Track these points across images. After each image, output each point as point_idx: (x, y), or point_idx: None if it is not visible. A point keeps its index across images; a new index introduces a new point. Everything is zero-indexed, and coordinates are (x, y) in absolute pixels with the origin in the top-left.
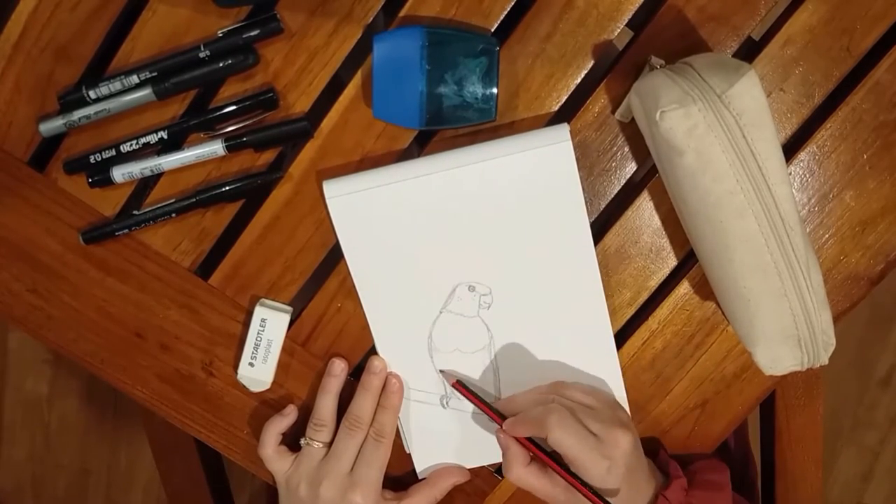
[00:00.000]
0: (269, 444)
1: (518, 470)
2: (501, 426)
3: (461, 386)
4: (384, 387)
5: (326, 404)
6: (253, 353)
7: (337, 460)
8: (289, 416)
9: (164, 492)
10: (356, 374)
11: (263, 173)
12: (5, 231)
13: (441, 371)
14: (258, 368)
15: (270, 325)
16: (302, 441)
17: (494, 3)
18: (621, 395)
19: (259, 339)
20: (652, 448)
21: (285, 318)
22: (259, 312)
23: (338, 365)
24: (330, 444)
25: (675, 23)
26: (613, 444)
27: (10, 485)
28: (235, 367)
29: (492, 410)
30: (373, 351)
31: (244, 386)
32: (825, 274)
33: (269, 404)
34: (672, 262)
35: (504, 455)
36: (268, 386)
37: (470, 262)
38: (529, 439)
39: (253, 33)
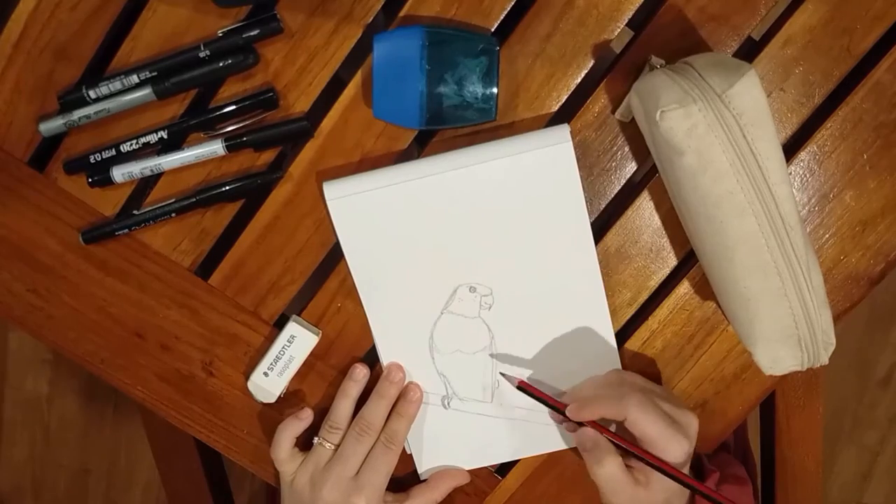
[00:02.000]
0: (284, 448)
1: (612, 463)
2: (565, 414)
3: (527, 385)
4: (403, 394)
5: (344, 407)
6: (272, 364)
7: (343, 464)
8: (305, 420)
9: (164, 492)
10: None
11: (263, 173)
12: (5, 231)
13: (502, 374)
14: (271, 380)
15: (297, 343)
16: (315, 440)
17: (494, 3)
18: None
19: (283, 352)
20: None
21: (313, 340)
22: (290, 328)
23: (360, 370)
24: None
25: (675, 23)
26: (687, 424)
27: (10, 485)
28: (236, 367)
29: (559, 404)
30: (373, 351)
31: (251, 393)
32: (825, 274)
33: (268, 404)
34: (672, 262)
35: (593, 450)
36: (274, 399)
37: (471, 262)
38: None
39: (253, 33)
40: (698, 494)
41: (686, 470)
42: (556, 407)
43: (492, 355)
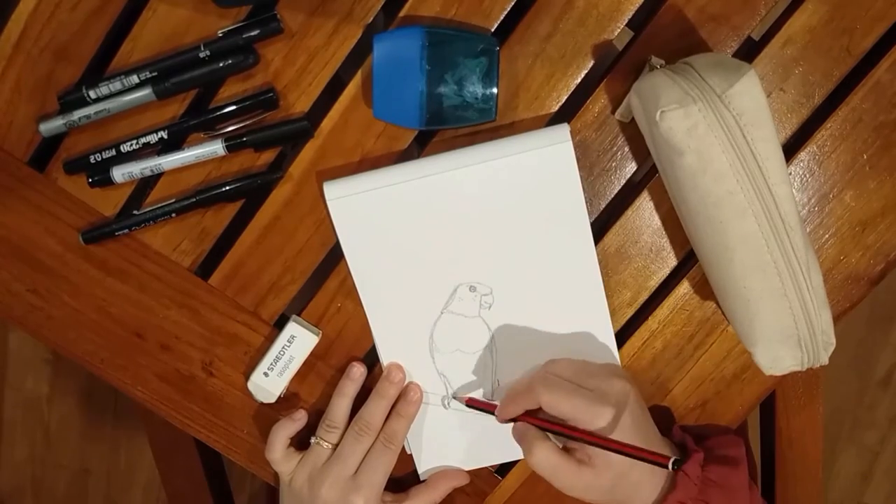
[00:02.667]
0: (278, 449)
1: (542, 448)
2: (495, 413)
3: (473, 400)
4: (403, 394)
5: (341, 407)
6: (272, 364)
7: (342, 463)
8: (299, 421)
9: (164, 492)
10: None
11: (263, 173)
12: (5, 231)
13: (453, 397)
14: (271, 380)
15: (297, 343)
16: (312, 440)
17: (494, 3)
18: None
19: (283, 352)
20: (665, 425)
21: (313, 340)
22: (290, 328)
23: (357, 369)
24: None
25: (675, 23)
26: (610, 391)
27: (10, 485)
28: (236, 367)
29: (487, 404)
30: (373, 351)
31: (251, 393)
32: (825, 274)
33: (268, 404)
34: (672, 262)
35: (523, 441)
36: (274, 399)
37: (471, 262)
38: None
39: (253, 33)
40: (628, 457)
41: (628, 437)
42: (485, 407)
43: (492, 355)
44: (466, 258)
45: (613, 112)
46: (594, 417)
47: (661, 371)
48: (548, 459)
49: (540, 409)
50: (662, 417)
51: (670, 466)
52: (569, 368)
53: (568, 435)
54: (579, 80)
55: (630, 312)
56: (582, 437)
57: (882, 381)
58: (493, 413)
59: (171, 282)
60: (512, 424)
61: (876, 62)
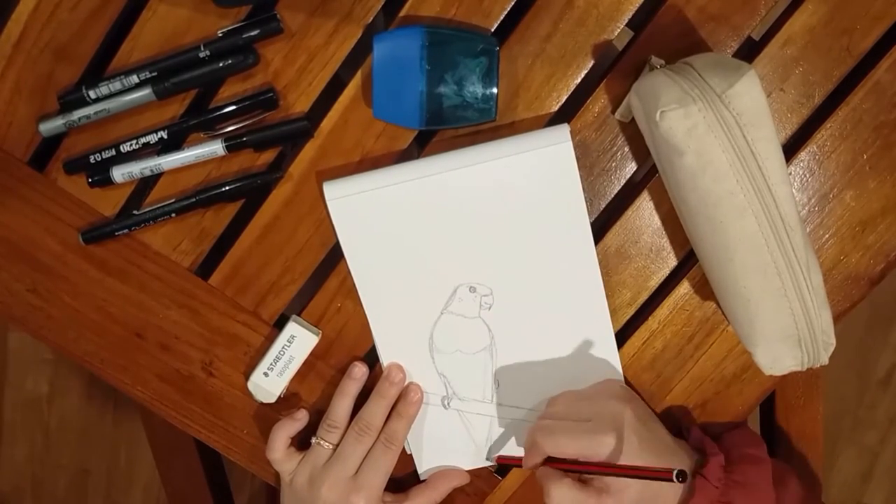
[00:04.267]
0: (279, 449)
1: (559, 485)
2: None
3: (503, 458)
4: (403, 395)
5: (342, 407)
6: (272, 364)
7: (342, 463)
8: (300, 421)
9: (164, 492)
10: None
11: (263, 173)
12: (5, 231)
13: (487, 459)
14: (271, 380)
15: (297, 343)
16: (313, 440)
17: (494, 3)
18: None
19: (283, 352)
20: (684, 427)
21: (313, 340)
22: (290, 328)
23: (359, 369)
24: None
25: (675, 23)
26: (610, 417)
27: (10, 485)
28: (236, 367)
29: (517, 459)
30: (373, 351)
31: (251, 393)
32: (825, 274)
33: (268, 404)
34: (672, 262)
35: (543, 483)
36: (274, 399)
37: (471, 263)
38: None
39: (253, 33)
40: (640, 478)
41: (638, 459)
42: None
43: (492, 355)
44: (466, 258)
45: (613, 112)
46: (598, 448)
47: (661, 371)
48: (568, 496)
49: None
50: (679, 421)
51: (675, 479)
52: (564, 403)
53: (577, 470)
54: (579, 80)
55: (630, 312)
56: (588, 470)
57: (882, 381)
58: (519, 465)
59: (171, 282)
60: (510, 426)
61: (876, 62)
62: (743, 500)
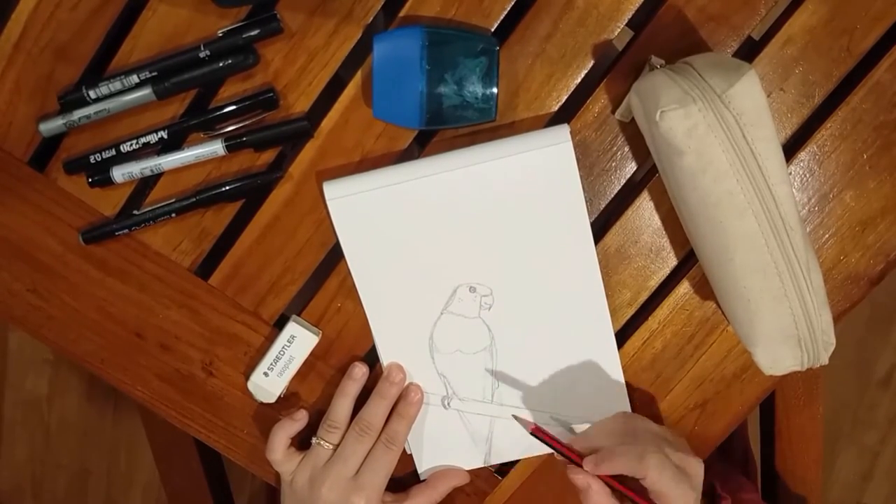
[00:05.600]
0: (278, 450)
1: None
2: (581, 466)
3: (540, 431)
4: (404, 395)
5: (342, 407)
6: (272, 364)
7: (343, 463)
8: (299, 421)
9: (164, 492)
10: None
11: (263, 173)
12: (5, 231)
13: (514, 417)
14: (271, 380)
15: (297, 343)
16: (313, 440)
17: (494, 3)
18: (623, 396)
19: (283, 352)
20: None
21: (313, 340)
22: (290, 328)
23: (359, 369)
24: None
25: (675, 23)
26: (695, 473)
27: (10, 485)
28: (236, 367)
29: (571, 451)
30: (373, 351)
31: (251, 393)
32: (825, 274)
33: (268, 404)
34: (672, 262)
35: (585, 494)
36: (274, 399)
37: (471, 263)
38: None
39: (253, 33)
40: None
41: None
42: (570, 457)
43: (492, 355)
44: (466, 259)
45: (613, 112)
46: (682, 500)
47: (661, 371)
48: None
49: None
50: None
51: None
52: (652, 431)
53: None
54: (579, 80)
55: (630, 312)
56: (630, 496)
57: (882, 381)
58: (577, 462)
59: (171, 282)
60: (510, 426)
61: (876, 62)
62: None
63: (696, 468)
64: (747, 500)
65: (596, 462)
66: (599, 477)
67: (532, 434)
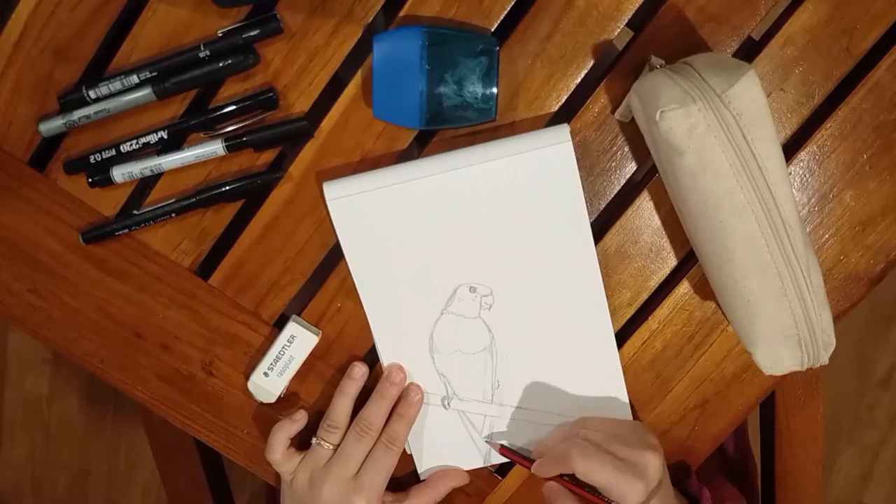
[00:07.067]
0: (278, 450)
1: None
2: (530, 469)
3: (506, 450)
4: (404, 395)
5: (342, 407)
6: (272, 364)
7: (343, 464)
8: (299, 422)
9: (164, 492)
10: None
11: (263, 173)
12: (5, 231)
13: (487, 440)
14: (271, 380)
15: (297, 343)
16: (313, 440)
17: (494, 3)
18: (622, 396)
19: (283, 352)
20: (682, 473)
21: (313, 340)
22: (290, 328)
23: (359, 369)
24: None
25: (675, 23)
26: (644, 465)
27: (10, 485)
28: (236, 367)
29: (525, 459)
30: (373, 351)
31: (251, 393)
32: (825, 274)
33: (268, 404)
34: (672, 262)
35: (549, 494)
36: (274, 399)
37: (471, 263)
38: (574, 482)
39: (253, 33)
40: None
41: None
42: (523, 465)
43: (492, 355)
44: (466, 259)
45: (613, 112)
46: (627, 490)
47: (661, 371)
48: None
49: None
50: (676, 468)
51: None
52: (600, 431)
53: (584, 497)
54: (579, 80)
55: (630, 312)
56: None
57: (882, 381)
58: (526, 467)
59: (171, 282)
60: (510, 426)
61: (876, 62)
62: None
63: (646, 458)
64: (729, 496)
65: (539, 466)
66: (563, 484)
67: (501, 454)
